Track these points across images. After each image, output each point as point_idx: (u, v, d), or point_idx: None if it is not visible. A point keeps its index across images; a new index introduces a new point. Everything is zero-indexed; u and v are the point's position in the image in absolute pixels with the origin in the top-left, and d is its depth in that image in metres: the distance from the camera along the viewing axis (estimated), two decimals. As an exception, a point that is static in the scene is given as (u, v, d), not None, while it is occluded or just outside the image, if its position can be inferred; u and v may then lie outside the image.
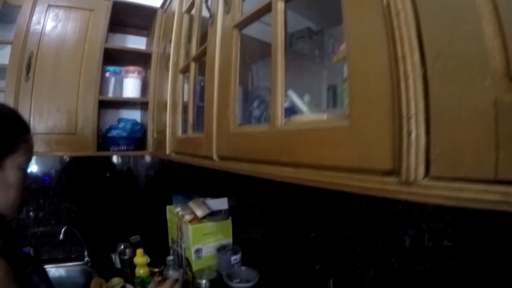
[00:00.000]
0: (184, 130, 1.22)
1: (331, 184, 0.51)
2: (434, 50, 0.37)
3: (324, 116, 0.74)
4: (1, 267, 0.78)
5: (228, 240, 1.73)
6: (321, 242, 1.13)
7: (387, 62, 0.41)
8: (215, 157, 0.87)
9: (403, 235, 0.83)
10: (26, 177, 0.92)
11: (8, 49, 1.74)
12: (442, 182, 0.37)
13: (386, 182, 0.42)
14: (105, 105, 1.94)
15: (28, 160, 0.91)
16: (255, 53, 1.05)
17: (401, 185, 0.40)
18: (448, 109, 0.36)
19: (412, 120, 0.38)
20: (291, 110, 0.76)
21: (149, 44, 2.20)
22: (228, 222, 1.72)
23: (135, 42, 2.28)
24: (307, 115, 0.74)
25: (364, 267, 0.96)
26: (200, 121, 1.13)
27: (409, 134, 0.39)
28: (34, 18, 1.74)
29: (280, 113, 0.63)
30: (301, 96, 0.79)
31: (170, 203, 2.02)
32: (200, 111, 1.14)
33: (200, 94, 1.13)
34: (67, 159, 2.26)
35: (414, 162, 0.39)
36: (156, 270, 1.70)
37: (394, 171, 0.41)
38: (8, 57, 1.72)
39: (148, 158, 2.49)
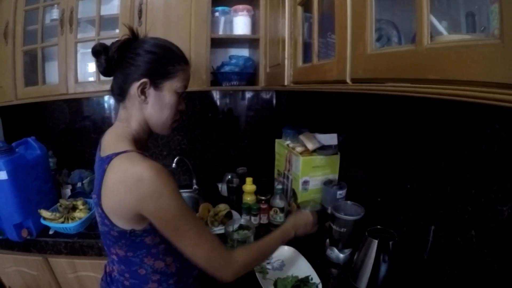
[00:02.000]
0: (307, 60, 1.25)
1: (482, 98, 0.51)
2: None
3: (467, 37, 0.74)
4: (171, 178, 0.91)
5: (334, 175, 1.78)
6: (432, 184, 1.13)
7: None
8: (348, 80, 0.89)
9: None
10: (180, 102, 1.07)
11: (115, 1, 1.90)
12: None
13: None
14: (215, 44, 2.01)
15: (184, 87, 1.05)
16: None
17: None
18: None
19: None
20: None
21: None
22: (337, 158, 1.76)
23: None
24: (449, 37, 0.73)
25: (474, 212, 0.95)
26: (325, 49, 1.16)
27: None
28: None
29: (426, 31, 0.63)
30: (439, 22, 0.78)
31: (277, 138, 2.11)
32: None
33: (321, 23, 1.15)
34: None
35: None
36: (263, 198, 1.81)
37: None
38: (116, 8, 1.86)
39: (250, 95, 2.58)
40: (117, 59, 0.99)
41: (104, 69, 1.01)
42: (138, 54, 0.99)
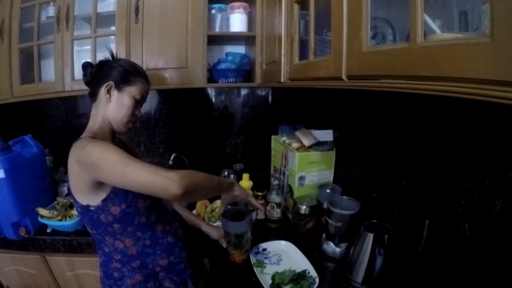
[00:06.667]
0: (303, 57, 1.26)
1: (473, 94, 0.53)
2: None
3: (460, 36, 0.76)
4: (109, 143, 1.11)
5: (330, 171, 1.80)
6: (426, 179, 1.14)
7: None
8: (344, 77, 0.91)
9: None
10: (136, 107, 1.29)
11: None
12: None
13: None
14: (211, 41, 2.02)
15: (140, 95, 1.27)
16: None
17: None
18: None
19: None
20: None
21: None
22: (332, 153, 1.78)
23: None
24: (442, 35, 0.75)
25: (467, 206, 0.96)
26: (321, 46, 1.18)
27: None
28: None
29: (420, 30, 0.64)
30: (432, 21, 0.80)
31: (273, 134, 2.12)
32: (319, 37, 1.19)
33: (317, 20, 1.16)
34: (177, 92, 2.39)
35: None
36: (260, 193, 1.82)
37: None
38: (112, 5, 1.88)
39: (245, 92, 2.58)
40: (96, 72, 1.26)
41: (87, 80, 1.28)
42: (112, 67, 1.25)
